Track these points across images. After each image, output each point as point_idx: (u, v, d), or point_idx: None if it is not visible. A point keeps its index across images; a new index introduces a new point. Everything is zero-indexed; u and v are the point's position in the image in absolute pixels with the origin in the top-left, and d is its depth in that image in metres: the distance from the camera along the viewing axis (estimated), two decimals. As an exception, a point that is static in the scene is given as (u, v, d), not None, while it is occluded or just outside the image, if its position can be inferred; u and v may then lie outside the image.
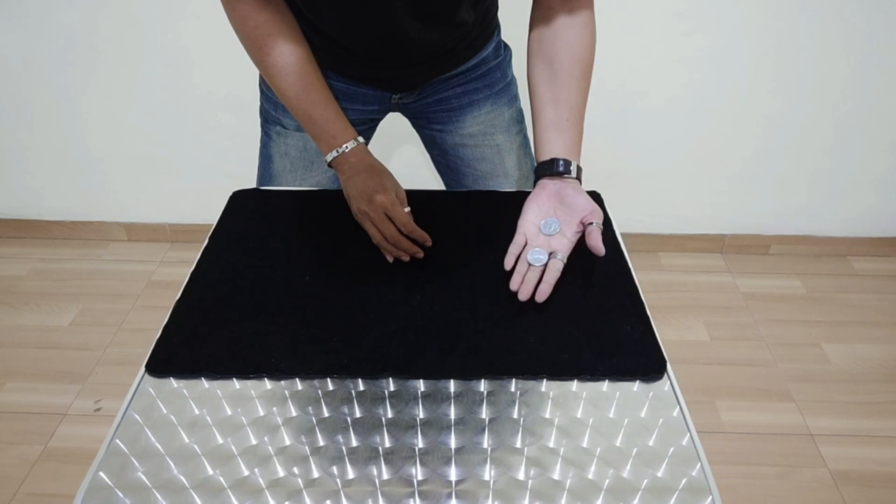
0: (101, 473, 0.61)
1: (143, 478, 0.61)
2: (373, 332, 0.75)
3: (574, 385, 0.70)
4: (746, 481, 1.42)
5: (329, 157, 0.92)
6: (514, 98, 1.09)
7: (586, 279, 0.83)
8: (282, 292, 0.81)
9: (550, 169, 0.86)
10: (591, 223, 0.81)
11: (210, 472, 0.61)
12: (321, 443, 0.64)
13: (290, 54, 0.89)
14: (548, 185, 0.86)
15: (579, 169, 0.87)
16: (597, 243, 0.79)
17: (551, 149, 0.87)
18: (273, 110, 1.06)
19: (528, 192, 1.01)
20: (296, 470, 0.61)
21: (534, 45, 0.91)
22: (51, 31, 1.70)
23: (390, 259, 0.86)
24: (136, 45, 1.72)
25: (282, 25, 0.88)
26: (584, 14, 0.88)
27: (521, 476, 0.61)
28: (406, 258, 0.85)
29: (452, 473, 0.61)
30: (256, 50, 0.89)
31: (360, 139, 0.93)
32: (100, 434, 1.50)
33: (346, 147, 0.92)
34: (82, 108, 1.84)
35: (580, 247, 0.89)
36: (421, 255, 0.86)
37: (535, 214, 0.85)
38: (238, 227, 0.93)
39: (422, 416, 0.66)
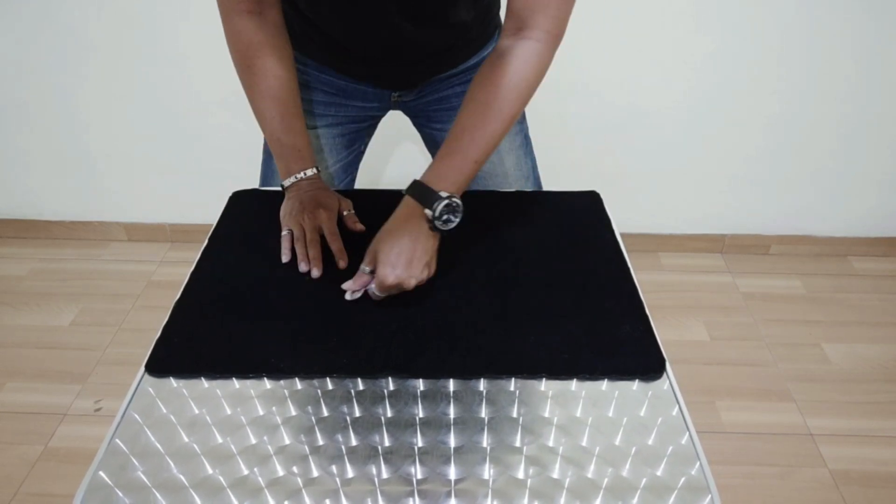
0: (101, 473, 0.61)
1: (143, 477, 0.61)
2: (372, 332, 0.75)
3: (573, 384, 0.70)
4: (746, 481, 1.41)
5: (286, 182, 0.93)
6: None
7: (586, 279, 0.83)
8: (281, 292, 0.81)
9: (415, 192, 0.82)
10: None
11: (210, 471, 0.61)
12: (320, 442, 0.64)
13: (275, 79, 0.90)
14: (396, 217, 0.82)
15: (433, 194, 0.80)
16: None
17: (426, 173, 0.84)
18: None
19: (528, 193, 1.02)
20: (295, 469, 0.61)
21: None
22: (50, 31, 1.70)
23: (286, 259, 0.86)
24: (136, 44, 1.72)
25: (274, 49, 0.89)
26: (530, 45, 0.82)
27: (520, 475, 0.61)
28: (305, 268, 0.84)
29: (452, 472, 0.61)
30: (245, 67, 0.90)
31: (317, 168, 0.95)
32: (100, 434, 1.50)
33: (304, 174, 0.93)
34: (82, 108, 1.84)
35: (580, 246, 0.89)
36: (318, 271, 0.83)
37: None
38: (238, 227, 0.93)
39: (421, 415, 0.66)
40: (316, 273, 0.84)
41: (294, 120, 0.93)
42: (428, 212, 0.79)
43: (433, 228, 0.80)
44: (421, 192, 0.81)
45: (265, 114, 0.92)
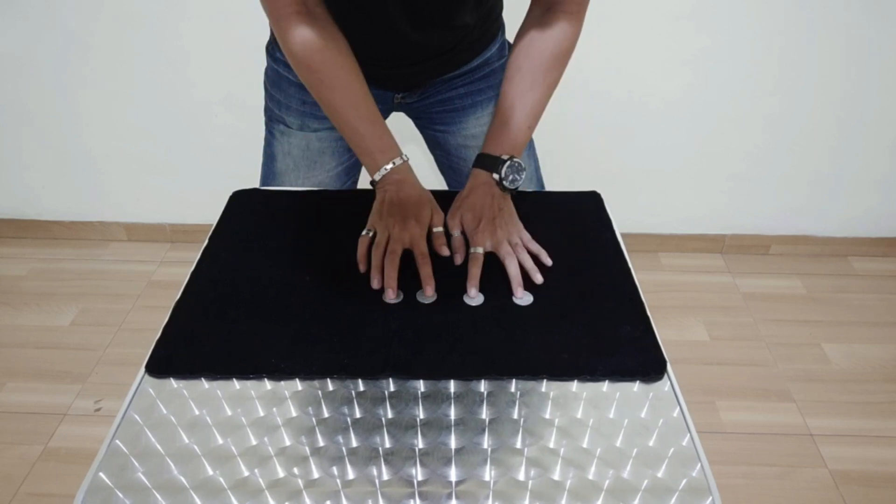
0: (101, 474, 0.61)
1: (143, 478, 0.61)
2: (373, 332, 0.75)
3: (574, 385, 0.70)
4: (746, 481, 1.42)
5: (377, 177, 0.89)
6: None
7: (586, 279, 0.83)
8: (282, 292, 0.81)
9: (481, 163, 0.92)
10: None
11: (210, 472, 0.61)
12: (321, 443, 0.64)
13: (340, 69, 0.87)
14: (469, 185, 0.92)
15: (496, 160, 0.90)
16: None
17: (485, 145, 0.94)
18: (276, 109, 1.06)
19: (528, 193, 1.02)
20: (296, 470, 0.61)
21: (511, 51, 0.95)
22: (50, 30, 1.70)
23: (362, 268, 0.83)
24: (136, 44, 1.72)
25: (329, 41, 0.86)
26: (564, 17, 0.91)
27: (521, 476, 0.61)
28: (377, 285, 0.80)
29: (452, 474, 0.61)
30: (305, 67, 0.87)
31: (405, 157, 0.90)
32: (100, 434, 1.50)
33: (393, 164, 0.89)
34: (82, 107, 1.84)
35: (580, 246, 0.89)
36: (392, 293, 0.79)
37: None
38: (238, 227, 0.93)
39: (422, 416, 0.66)
40: (391, 296, 0.79)
41: (367, 108, 0.89)
42: (495, 175, 0.89)
43: (503, 189, 0.90)
44: (485, 160, 0.91)
45: (335, 105, 0.89)
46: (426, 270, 0.80)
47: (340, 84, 0.88)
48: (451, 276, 0.83)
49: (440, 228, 0.87)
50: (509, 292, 0.80)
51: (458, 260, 0.85)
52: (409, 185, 0.89)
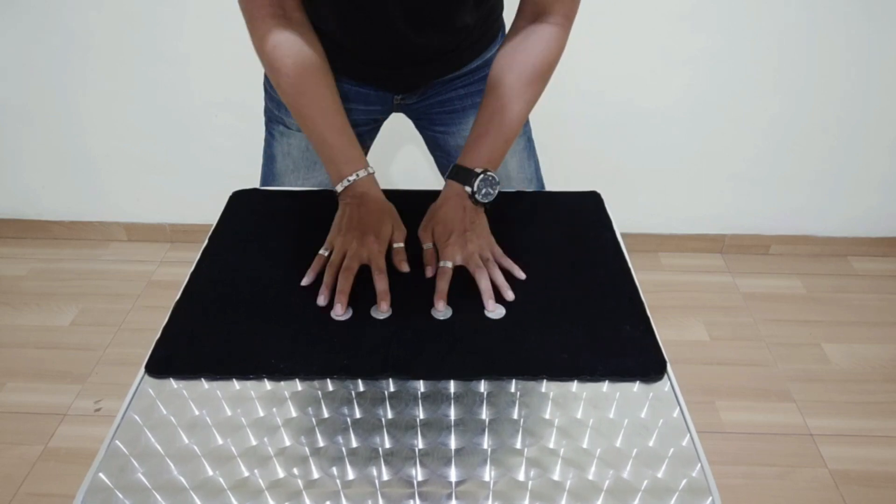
0: (101, 474, 0.61)
1: (143, 479, 0.61)
2: (373, 332, 0.75)
3: (574, 385, 0.70)
4: (746, 481, 1.42)
5: (338, 188, 0.88)
6: None
7: (586, 279, 0.83)
8: (282, 292, 0.81)
9: (455, 175, 0.89)
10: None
11: (210, 472, 0.61)
12: (321, 443, 0.64)
13: (312, 76, 0.87)
14: (441, 197, 0.90)
15: (469, 172, 0.88)
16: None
17: (461, 157, 0.91)
18: (276, 110, 1.06)
19: (528, 193, 1.02)
20: (296, 471, 0.61)
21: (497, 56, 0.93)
22: (50, 30, 1.70)
23: (305, 281, 0.81)
24: (136, 45, 1.72)
25: (302, 45, 0.86)
26: (549, 29, 0.89)
27: (521, 477, 0.61)
28: (323, 302, 0.78)
29: (452, 474, 0.61)
30: (275, 70, 0.87)
31: (371, 169, 0.89)
32: (100, 434, 1.50)
33: (357, 175, 0.88)
34: (82, 108, 1.84)
35: (580, 246, 0.89)
36: (341, 308, 0.76)
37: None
38: (238, 227, 0.93)
39: (422, 416, 0.66)
40: (340, 311, 0.76)
41: (336, 117, 0.89)
42: (468, 188, 0.87)
43: (475, 203, 0.87)
44: (459, 173, 0.89)
45: (303, 111, 0.88)
46: (382, 286, 0.79)
47: (311, 91, 0.87)
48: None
49: (401, 244, 0.85)
50: (499, 298, 0.80)
51: (430, 273, 0.83)
52: (371, 199, 0.87)
